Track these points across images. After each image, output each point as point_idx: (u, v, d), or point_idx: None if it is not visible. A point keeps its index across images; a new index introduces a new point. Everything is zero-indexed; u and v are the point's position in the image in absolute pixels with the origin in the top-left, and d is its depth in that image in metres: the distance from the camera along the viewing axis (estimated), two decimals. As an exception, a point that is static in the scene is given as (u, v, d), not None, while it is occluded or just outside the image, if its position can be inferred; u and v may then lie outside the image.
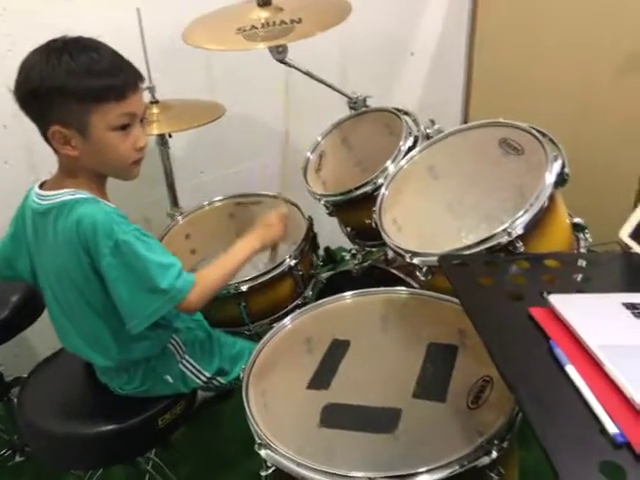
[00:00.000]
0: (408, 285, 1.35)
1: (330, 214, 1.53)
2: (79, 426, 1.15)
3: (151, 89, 1.56)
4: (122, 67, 0.99)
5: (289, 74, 1.53)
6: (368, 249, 1.59)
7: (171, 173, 1.69)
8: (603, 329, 0.76)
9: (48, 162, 1.06)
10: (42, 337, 1.64)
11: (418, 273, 1.11)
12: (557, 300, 0.80)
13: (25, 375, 1.30)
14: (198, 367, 1.23)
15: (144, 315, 1.02)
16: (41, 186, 1.07)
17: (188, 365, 1.22)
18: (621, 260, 0.97)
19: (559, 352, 0.72)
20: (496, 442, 0.82)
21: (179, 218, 1.64)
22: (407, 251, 1.13)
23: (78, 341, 1.13)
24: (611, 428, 0.61)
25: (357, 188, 1.39)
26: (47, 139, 1.00)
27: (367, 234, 1.46)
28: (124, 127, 1.00)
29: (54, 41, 0.97)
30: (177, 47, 1.52)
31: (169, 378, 1.20)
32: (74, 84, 0.94)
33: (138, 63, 1.47)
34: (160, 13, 1.63)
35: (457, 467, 0.80)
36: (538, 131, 1.14)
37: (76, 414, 1.18)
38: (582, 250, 1.14)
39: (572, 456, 0.59)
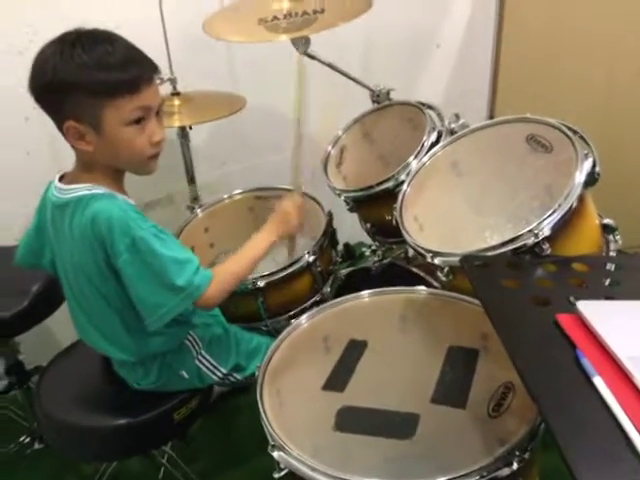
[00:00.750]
0: (429, 284, 1.32)
1: (350, 210, 1.50)
2: (95, 419, 1.16)
3: (172, 81, 1.55)
4: (136, 60, 0.97)
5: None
6: (388, 246, 1.57)
7: (191, 165, 1.68)
8: (634, 339, 0.72)
9: (70, 153, 1.05)
10: (62, 326, 1.65)
11: (439, 273, 1.09)
12: (586, 307, 0.77)
13: (45, 364, 1.31)
14: (214, 363, 1.22)
15: (162, 312, 1.01)
16: (61, 179, 1.07)
17: (204, 361, 1.22)
18: (653, 265, 0.93)
19: (586, 363, 0.69)
20: (517, 453, 0.79)
21: (198, 211, 1.64)
22: (428, 251, 1.10)
23: (95, 334, 1.13)
24: (641, 446, 0.58)
25: (378, 184, 1.36)
26: (63, 134, 0.99)
27: (388, 231, 1.43)
28: (139, 121, 0.98)
29: (68, 34, 0.96)
30: (199, 38, 1.50)
31: (185, 374, 1.19)
32: (86, 78, 0.93)
33: (159, 54, 1.47)
34: (182, 4, 1.62)
35: (476, 477, 0.77)
36: (568, 128, 1.09)
37: (93, 406, 1.18)
38: (612, 253, 1.10)
39: (598, 473, 0.57)
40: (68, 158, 1.06)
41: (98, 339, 1.14)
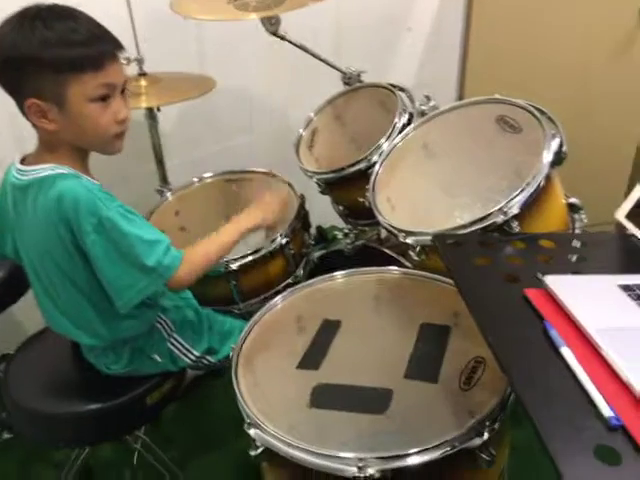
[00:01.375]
0: (401, 265, 1.33)
1: (322, 192, 1.50)
2: (66, 405, 1.14)
3: (139, 61, 1.52)
4: (100, 36, 0.95)
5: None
6: (361, 228, 1.58)
7: (160, 148, 1.65)
8: (599, 311, 0.75)
9: (33, 134, 1.02)
10: (29, 314, 1.62)
11: (411, 253, 1.10)
12: (553, 281, 0.79)
13: (11, 352, 1.28)
14: (187, 346, 1.22)
15: (132, 294, 1.00)
16: (22, 161, 1.04)
17: (176, 344, 1.21)
18: (617, 241, 0.96)
19: (554, 334, 0.71)
20: (488, 424, 0.82)
21: (168, 195, 1.62)
22: (400, 230, 1.11)
23: (62, 320, 1.11)
24: (606, 411, 0.60)
25: (350, 165, 1.36)
26: (24, 112, 0.96)
27: (360, 213, 1.44)
28: (103, 98, 0.97)
29: (28, 9, 0.93)
30: (167, 18, 1.47)
31: (157, 357, 1.19)
32: (49, 54, 0.90)
33: (125, 34, 1.43)
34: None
35: (448, 448, 0.79)
36: (536, 108, 1.12)
37: (63, 392, 1.17)
38: (577, 231, 1.13)
39: (567, 440, 0.59)
40: (31, 139, 1.03)
41: (66, 325, 1.11)
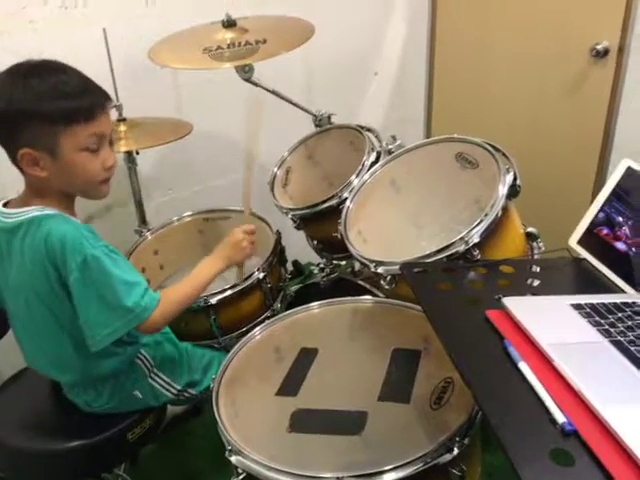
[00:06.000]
0: (374, 295, 1.39)
1: (297, 228, 1.56)
2: (45, 441, 1.15)
3: (118, 107, 1.58)
4: (90, 88, 1.01)
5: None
6: (335, 262, 1.63)
7: (139, 190, 1.70)
8: (552, 328, 0.81)
9: (12, 181, 1.06)
10: (5, 357, 1.62)
11: (382, 282, 1.15)
12: (511, 302, 0.86)
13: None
14: (168, 380, 1.24)
15: (106, 333, 1.02)
16: (5, 205, 1.08)
17: (158, 379, 1.23)
18: (570, 265, 1.04)
19: (512, 350, 0.77)
20: (457, 440, 0.86)
21: (147, 234, 1.65)
22: (372, 261, 1.17)
23: (44, 360, 1.13)
24: (560, 418, 0.65)
25: (323, 202, 1.43)
26: (15, 161, 1.01)
27: (334, 247, 1.50)
28: (93, 147, 1.01)
29: (20, 64, 0.98)
30: (145, 66, 1.54)
31: (138, 394, 1.20)
32: (43, 107, 0.95)
33: (105, 81, 1.49)
34: (127, 33, 1.66)
35: (421, 464, 0.83)
36: (491, 145, 1.21)
37: (42, 429, 1.17)
38: (535, 257, 1.21)
39: (524, 444, 0.63)
40: (15, 187, 1.07)
41: (46, 364, 1.13)
